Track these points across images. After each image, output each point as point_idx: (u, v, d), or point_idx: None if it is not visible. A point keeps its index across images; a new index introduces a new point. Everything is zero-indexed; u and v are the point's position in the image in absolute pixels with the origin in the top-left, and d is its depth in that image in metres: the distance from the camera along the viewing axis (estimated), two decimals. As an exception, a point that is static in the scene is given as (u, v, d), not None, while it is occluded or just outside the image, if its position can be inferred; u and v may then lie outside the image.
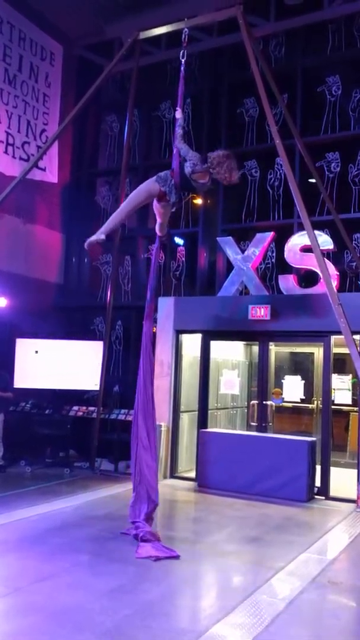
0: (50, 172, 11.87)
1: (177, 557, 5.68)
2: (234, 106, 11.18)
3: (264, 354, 9.46)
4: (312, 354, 10.73)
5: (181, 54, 7.20)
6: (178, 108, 6.74)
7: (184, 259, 11.33)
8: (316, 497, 8.37)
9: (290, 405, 10.36)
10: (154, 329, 10.67)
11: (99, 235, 6.22)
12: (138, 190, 6.35)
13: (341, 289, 9.08)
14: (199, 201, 10.99)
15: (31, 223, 11.46)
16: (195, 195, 10.01)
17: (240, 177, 6.06)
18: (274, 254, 10.22)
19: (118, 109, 12.12)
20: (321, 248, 7.11)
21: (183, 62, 7.24)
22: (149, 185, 6.28)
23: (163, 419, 9.51)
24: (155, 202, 6.51)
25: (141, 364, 6.64)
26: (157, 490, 6.36)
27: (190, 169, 6.04)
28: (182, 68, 7.23)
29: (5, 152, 10.77)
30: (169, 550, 5.85)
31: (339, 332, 6.93)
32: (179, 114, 6.62)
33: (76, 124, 12.22)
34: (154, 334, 10.28)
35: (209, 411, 9.77)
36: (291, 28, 10.52)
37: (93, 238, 6.23)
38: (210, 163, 5.96)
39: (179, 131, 6.41)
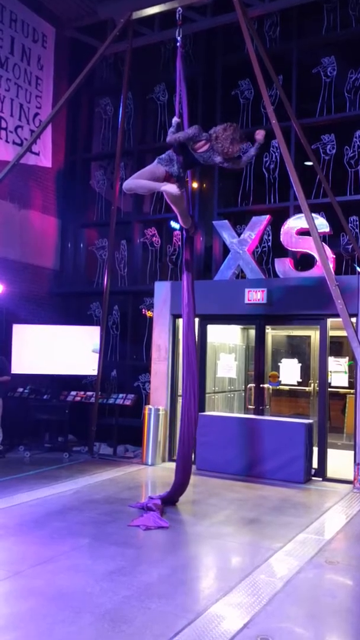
0: (44, 156, 11.76)
1: (166, 527, 6.03)
2: (229, 88, 11.06)
3: (260, 337, 9.47)
4: (309, 337, 10.76)
5: (177, 32, 7.09)
6: (176, 117, 6.60)
7: (180, 243, 11.29)
8: (313, 478, 8.45)
9: (287, 388, 10.41)
10: (150, 314, 10.69)
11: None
12: (142, 170, 6.27)
13: (337, 272, 9.08)
14: (195, 185, 10.92)
15: (26, 208, 11.38)
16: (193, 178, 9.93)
17: (239, 151, 6.06)
18: (270, 238, 10.20)
19: (112, 92, 11.99)
20: (317, 231, 7.08)
21: (179, 40, 7.14)
22: (152, 167, 6.24)
23: (161, 403, 9.58)
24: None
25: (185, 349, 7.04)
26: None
27: (190, 139, 6.12)
28: (178, 45, 7.12)
29: (-1, 136, 10.67)
30: (160, 521, 6.14)
31: (335, 315, 6.93)
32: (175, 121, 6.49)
33: (70, 108, 12.10)
34: (151, 319, 10.30)
35: (207, 395, 9.81)
36: (286, 8, 10.37)
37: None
38: (213, 131, 6.03)
39: (172, 129, 6.34)
